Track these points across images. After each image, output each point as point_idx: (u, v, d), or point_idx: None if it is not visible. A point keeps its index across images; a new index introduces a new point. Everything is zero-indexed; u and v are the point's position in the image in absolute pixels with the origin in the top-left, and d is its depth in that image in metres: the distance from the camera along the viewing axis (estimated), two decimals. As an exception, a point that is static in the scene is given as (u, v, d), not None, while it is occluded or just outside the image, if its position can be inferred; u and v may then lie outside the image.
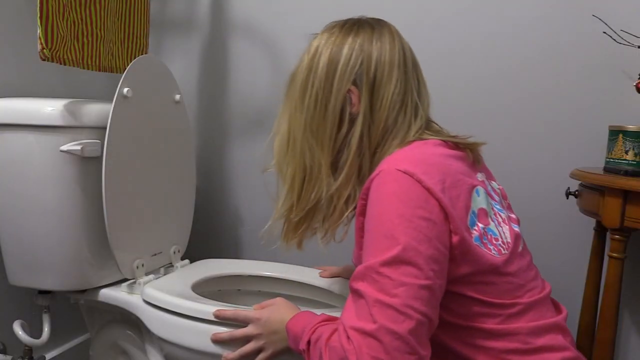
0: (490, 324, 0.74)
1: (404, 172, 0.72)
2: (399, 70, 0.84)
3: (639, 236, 1.23)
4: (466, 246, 0.72)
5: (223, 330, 0.96)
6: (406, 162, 0.74)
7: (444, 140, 0.83)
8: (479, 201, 0.78)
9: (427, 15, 1.39)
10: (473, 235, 0.74)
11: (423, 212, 0.70)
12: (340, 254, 1.54)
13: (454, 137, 0.86)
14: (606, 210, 1.01)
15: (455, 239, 0.72)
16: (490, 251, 0.75)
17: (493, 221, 0.79)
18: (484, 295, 0.74)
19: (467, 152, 0.85)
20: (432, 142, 0.82)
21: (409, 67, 0.86)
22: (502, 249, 0.77)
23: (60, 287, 1.14)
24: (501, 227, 0.80)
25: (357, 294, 0.70)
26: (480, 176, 0.85)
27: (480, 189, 0.79)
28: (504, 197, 0.92)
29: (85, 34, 1.14)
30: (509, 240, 0.80)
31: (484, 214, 0.78)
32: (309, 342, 0.77)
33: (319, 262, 1.54)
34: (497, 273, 0.75)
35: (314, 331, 0.77)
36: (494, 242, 0.77)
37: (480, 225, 0.76)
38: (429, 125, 0.88)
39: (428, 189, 0.71)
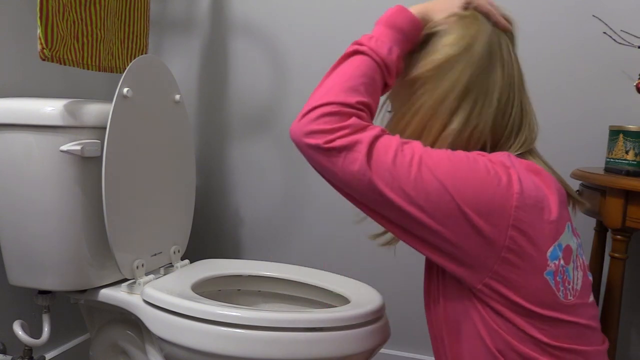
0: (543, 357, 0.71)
1: (507, 168, 0.69)
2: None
3: (639, 236, 1.24)
4: (530, 261, 0.68)
5: (222, 331, 0.96)
6: (510, 161, 0.71)
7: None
8: (568, 237, 0.73)
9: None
10: (547, 268, 0.69)
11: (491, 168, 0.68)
12: (340, 254, 1.54)
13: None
14: (608, 210, 1.01)
15: (514, 233, 0.67)
16: (558, 292, 0.71)
17: (573, 263, 0.74)
18: (543, 334, 0.70)
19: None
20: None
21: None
22: (569, 294, 0.72)
23: (60, 287, 1.14)
24: (577, 271, 0.75)
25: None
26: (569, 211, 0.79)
27: (569, 224, 0.74)
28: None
29: (85, 34, 1.14)
30: (577, 288, 0.74)
31: (569, 252, 0.72)
32: (360, 52, 0.75)
33: (319, 262, 1.54)
34: (557, 317, 0.71)
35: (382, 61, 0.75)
36: (566, 284, 0.72)
37: (562, 262, 0.71)
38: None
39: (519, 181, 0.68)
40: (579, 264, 0.76)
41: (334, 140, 0.68)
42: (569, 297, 0.72)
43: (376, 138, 0.68)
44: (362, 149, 0.67)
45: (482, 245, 0.68)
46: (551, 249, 0.70)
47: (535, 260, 0.68)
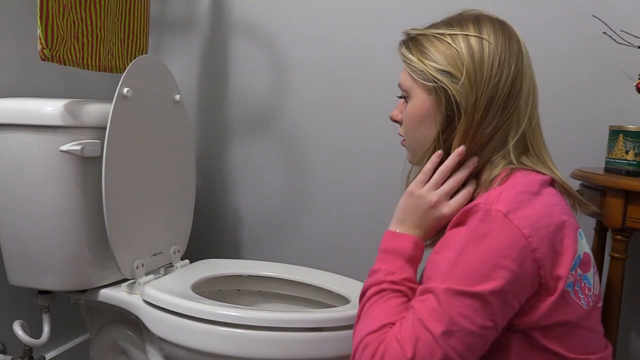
0: None
1: (511, 223, 0.67)
2: None
3: (639, 236, 1.24)
4: (557, 282, 0.69)
5: (222, 330, 0.96)
6: (508, 203, 0.69)
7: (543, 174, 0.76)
8: (583, 245, 0.73)
9: (428, 19, 1.38)
10: (568, 280, 0.69)
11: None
12: (340, 254, 1.54)
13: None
14: (608, 210, 1.00)
15: (547, 298, 0.68)
16: (580, 300, 0.71)
17: (593, 268, 0.75)
18: (562, 347, 0.70)
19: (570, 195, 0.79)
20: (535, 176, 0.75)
21: None
22: (590, 300, 0.72)
23: (60, 287, 1.14)
24: (595, 276, 0.75)
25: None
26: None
27: (580, 231, 0.73)
28: None
29: (85, 34, 1.14)
30: (597, 292, 0.75)
31: (587, 260, 0.73)
32: (371, 293, 0.74)
33: (319, 262, 1.54)
34: (578, 325, 0.71)
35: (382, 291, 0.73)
36: (586, 291, 0.72)
37: (579, 271, 0.71)
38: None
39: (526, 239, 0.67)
40: (594, 269, 0.76)
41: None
42: (591, 304, 0.73)
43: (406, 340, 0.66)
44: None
45: (524, 287, 0.68)
46: (572, 263, 0.70)
47: (561, 279, 0.68)
